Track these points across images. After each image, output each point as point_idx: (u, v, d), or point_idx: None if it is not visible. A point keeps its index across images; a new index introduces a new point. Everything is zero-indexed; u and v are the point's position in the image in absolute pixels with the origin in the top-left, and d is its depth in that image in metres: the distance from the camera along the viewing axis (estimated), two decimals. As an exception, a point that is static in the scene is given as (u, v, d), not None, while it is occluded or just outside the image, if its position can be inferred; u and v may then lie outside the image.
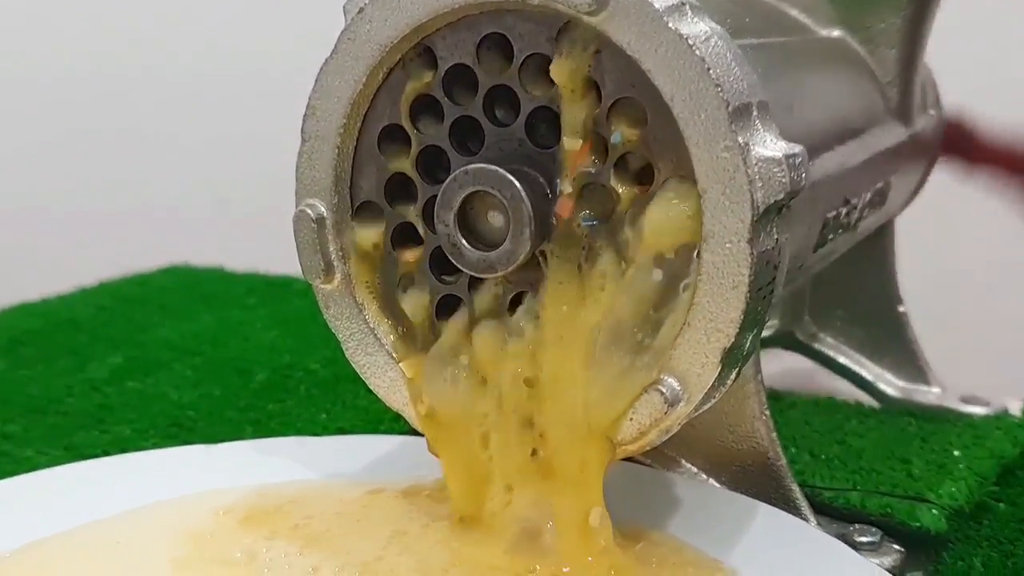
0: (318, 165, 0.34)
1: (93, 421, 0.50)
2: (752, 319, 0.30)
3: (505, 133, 0.32)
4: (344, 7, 0.32)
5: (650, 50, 0.29)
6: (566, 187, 0.31)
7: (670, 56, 0.28)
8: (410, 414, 0.35)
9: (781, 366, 0.53)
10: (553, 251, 0.31)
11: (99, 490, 0.37)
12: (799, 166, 0.29)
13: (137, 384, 0.55)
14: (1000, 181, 0.55)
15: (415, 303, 0.34)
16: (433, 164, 0.33)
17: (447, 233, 0.32)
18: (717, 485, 0.38)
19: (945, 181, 0.53)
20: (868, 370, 0.51)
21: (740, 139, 0.28)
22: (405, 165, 0.33)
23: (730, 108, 0.28)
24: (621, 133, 0.30)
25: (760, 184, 0.28)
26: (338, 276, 0.35)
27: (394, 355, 0.35)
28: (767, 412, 0.37)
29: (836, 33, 0.43)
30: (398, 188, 0.34)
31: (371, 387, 0.35)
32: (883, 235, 0.50)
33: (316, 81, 0.33)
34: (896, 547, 0.38)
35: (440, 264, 0.34)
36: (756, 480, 0.37)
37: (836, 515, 0.40)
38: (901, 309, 0.51)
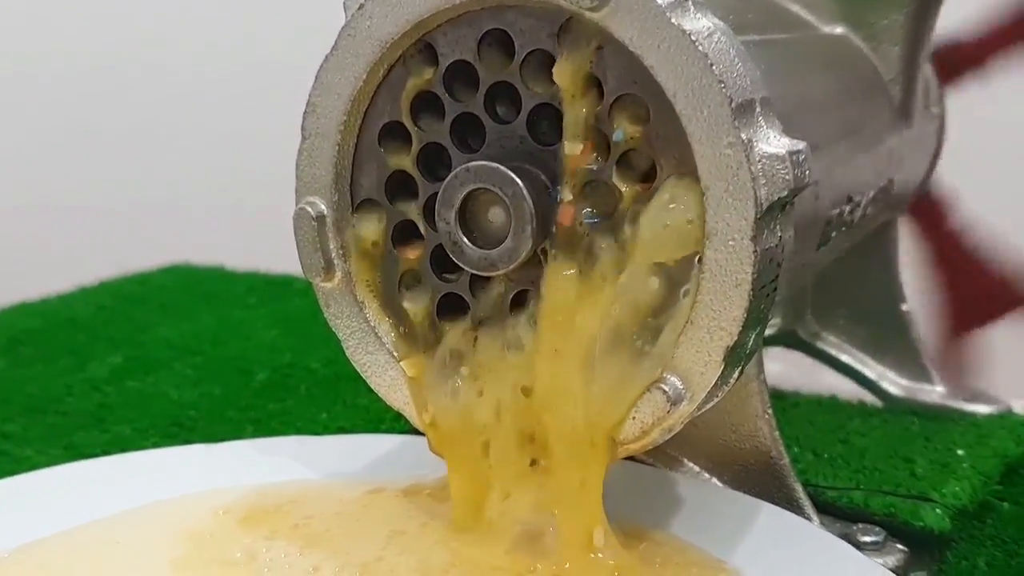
0: (318, 162, 0.34)
1: (93, 420, 0.50)
2: (755, 317, 0.30)
3: (506, 130, 0.32)
4: (344, 3, 0.32)
5: (652, 46, 0.28)
6: (567, 195, 0.31)
7: (673, 52, 0.28)
8: (411, 413, 0.35)
9: (784, 365, 0.52)
10: (555, 256, 0.31)
11: (99, 490, 0.37)
12: (803, 163, 0.29)
13: (137, 383, 0.55)
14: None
15: (416, 301, 0.34)
16: (434, 161, 0.33)
17: (448, 231, 0.31)
18: (720, 484, 0.38)
19: (947, 180, 0.53)
20: (871, 369, 0.51)
21: (743, 136, 0.28)
22: (406, 162, 0.33)
23: (733, 104, 0.28)
24: (623, 130, 0.30)
25: (763, 181, 0.28)
26: (338, 274, 0.34)
27: (395, 354, 0.34)
28: (770, 411, 0.36)
29: (839, 30, 0.43)
30: (399, 185, 0.34)
31: (372, 386, 0.35)
32: (887, 233, 0.49)
33: (316, 78, 0.33)
34: (900, 547, 0.38)
35: (441, 262, 0.33)
36: (759, 479, 0.37)
37: (839, 514, 0.40)
38: (905, 308, 0.50)
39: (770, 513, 0.35)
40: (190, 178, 0.98)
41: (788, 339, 0.52)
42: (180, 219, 0.97)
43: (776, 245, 0.29)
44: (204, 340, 0.62)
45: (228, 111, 0.96)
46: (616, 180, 0.30)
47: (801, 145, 0.29)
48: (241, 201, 0.94)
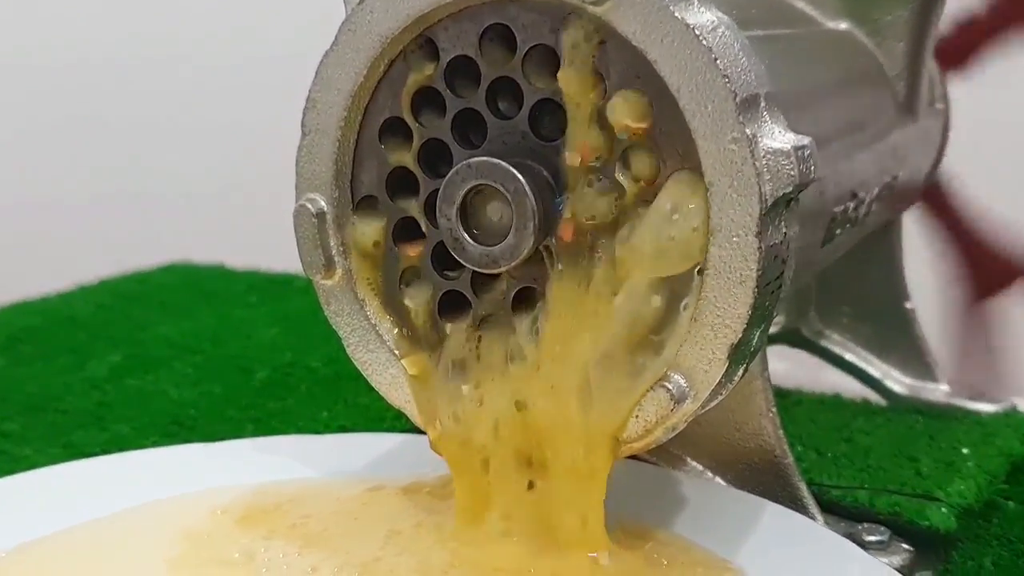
0: (318, 159, 0.33)
1: (92, 419, 0.50)
2: (760, 314, 0.29)
3: (508, 126, 0.31)
4: (344, -2, 0.32)
5: (656, 40, 0.28)
6: (567, 212, 0.31)
7: (676, 46, 0.28)
8: (412, 411, 0.34)
9: (787, 363, 0.52)
10: (561, 275, 0.31)
11: (97, 489, 0.37)
12: (808, 158, 0.29)
13: (137, 382, 0.55)
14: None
15: (417, 299, 0.34)
16: (435, 157, 0.33)
17: (449, 227, 0.31)
18: (723, 483, 0.38)
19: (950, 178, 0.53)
20: (875, 367, 0.51)
21: (748, 131, 0.28)
22: (407, 159, 0.33)
23: (737, 99, 0.28)
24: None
25: (768, 177, 0.28)
26: (339, 272, 0.34)
27: (396, 352, 0.34)
28: (774, 409, 0.36)
29: (843, 25, 0.43)
30: (399, 182, 0.33)
31: (372, 384, 0.35)
32: (891, 231, 0.49)
33: (316, 74, 0.33)
34: (905, 546, 0.37)
35: (442, 259, 0.33)
36: (763, 478, 0.37)
37: (844, 514, 0.39)
38: (908, 306, 0.50)
39: (774, 512, 0.35)
40: (190, 176, 0.98)
41: (792, 337, 0.52)
42: (180, 217, 0.97)
43: (781, 242, 0.29)
44: (204, 339, 0.61)
45: (228, 108, 0.96)
46: (620, 176, 0.30)
47: (806, 140, 0.29)
48: (241, 199, 0.94)
